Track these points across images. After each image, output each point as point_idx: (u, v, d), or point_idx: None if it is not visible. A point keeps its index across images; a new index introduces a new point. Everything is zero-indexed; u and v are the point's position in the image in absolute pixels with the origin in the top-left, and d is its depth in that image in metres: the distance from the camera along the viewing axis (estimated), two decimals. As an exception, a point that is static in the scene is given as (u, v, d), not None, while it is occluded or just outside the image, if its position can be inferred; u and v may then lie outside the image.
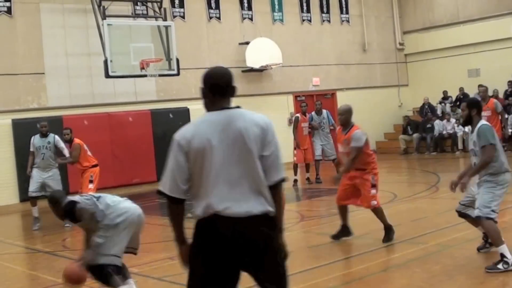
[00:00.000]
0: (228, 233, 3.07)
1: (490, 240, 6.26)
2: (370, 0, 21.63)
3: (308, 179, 14.29)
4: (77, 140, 11.01)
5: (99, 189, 10.07)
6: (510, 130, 17.89)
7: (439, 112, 20.60)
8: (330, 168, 14.80)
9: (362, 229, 8.36)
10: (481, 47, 20.17)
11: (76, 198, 5.63)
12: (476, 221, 6.21)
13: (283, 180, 3.29)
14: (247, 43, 17.73)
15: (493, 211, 5.88)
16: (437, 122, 19.73)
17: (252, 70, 17.84)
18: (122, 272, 5.57)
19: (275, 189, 3.25)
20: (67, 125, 12.97)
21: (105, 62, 13.61)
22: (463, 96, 19.14)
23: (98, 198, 5.61)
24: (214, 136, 3.12)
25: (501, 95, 19.46)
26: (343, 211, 7.72)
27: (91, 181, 10.76)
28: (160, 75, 14.60)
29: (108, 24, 13.70)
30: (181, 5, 17.09)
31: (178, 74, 14.73)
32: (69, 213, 5.46)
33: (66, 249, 8.82)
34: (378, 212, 7.51)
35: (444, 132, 19.48)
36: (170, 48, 14.51)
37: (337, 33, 20.66)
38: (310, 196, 12.83)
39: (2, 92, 14.14)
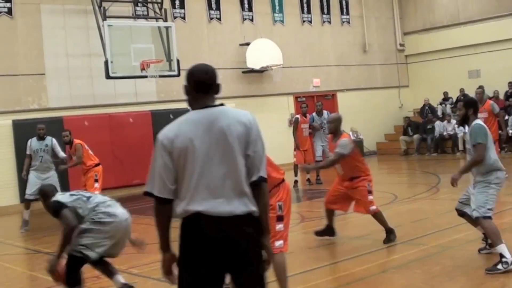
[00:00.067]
0: (211, 233, 3.03)
1: (489, 240, 6.26)
2: (370, 1, 21.64)
3: (308, 180, 14.29)
4: (77, 141, 11.02)
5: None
6: (510, 131, 17.95)
7: (439, 113, 20.61)
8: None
9: (362, 230, 8.36)
10: (481, 48, 20.18)
11: (65, 196, 5.58)
12: (475, 221, 6.24)
13: (264, 179, 3.22)
14: (248, 44, 17.74)
15: (489, 209, 5.93)
16: (437, 123, 19.72)
17: (252, 71, 17.85)
18: (107, 269, 5.64)
19: (259, 188, 3.19)
20: (68, 126, 13.00)
21: (106, 63, 13.63)
22: (463, 97, 19.13)
23: (88, 198, 5.57)
24: (197, 135, 3.08)
25: (501, 96, 19.47)
26: (329, 214, 7.84)
27: (96, 180, 10.78)
28: (161, 76, 14.61)
29: (109, 25, 13.71)
30: (182, 6, 17.11)
31: (178, 75, 14.73)
32: (54, 212, 5.48)
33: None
34: (378, 216, 7.54)
35: (445, 133, 19.47)
36: (170, 49, 14.52)
37: (338, 34, 20.66)
38: (310, 197, 12.83)
39: (3, 93, 14.15)
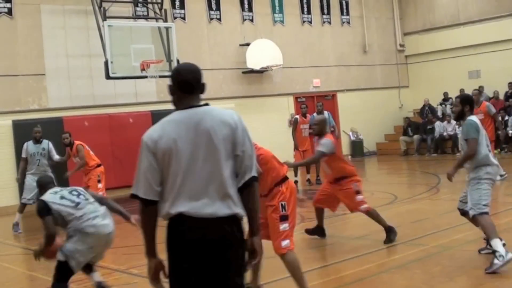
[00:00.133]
0: (193, 234, 3.01)
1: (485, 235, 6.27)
2: (370, 1, 21.64)
3: (308, 180, 14.30)
4: (78, 142, 11.02)
5: (99, 190, 10.10)
6: (510, 131, 17.96)
7: (439, 113, 20.61)
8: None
9: (362, 230, 8.36)
10: (481, 48, 20.18)
11: (56, 197, 5.45)
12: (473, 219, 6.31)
13: (256, 178, 3.19)
14: (248, 44, 17.74)
15: (485, 205, 6.01)
16: (437, 124, 19.73)
17: (252, 71, 17.85)
18: (85, 266, 5.59)
19: (249, 189, 3.16)
20: (68, 126, 13.01)
21: (106, 63, 13.63)
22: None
23: (77, 204, 5.41)
24: (181, 136, 3.05)
25: (501, 97, 19.48)
26: (319, 213, 7.90)
27: (99, 181, 10.78)
28: (161, 76, 14.60)
29: (109, 25, 13.71)
30: (182, 6, 17.11)
31: (178, 75, 14.71)
32: (38, 213, 5.40)
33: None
34: (372, 215, 7.57)
35: (445, 133, 19.48)
36: (170, 49, 14.52)
37: (338, 35, 20.67)
38: (310, 197, 12.79)
39: (3, 93, 14.16)
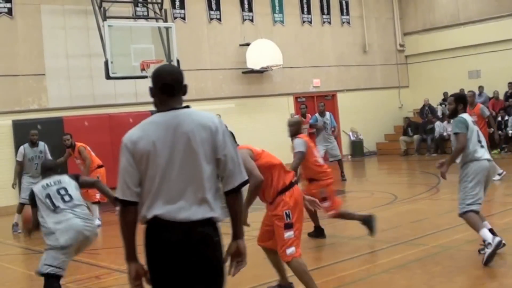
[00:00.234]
0: (167, 238, 2.99)
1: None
2: (370, 1, 21.64)
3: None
4: (79, 144, 11.02)
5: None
6: (510, 131, 17.96)
7: (439, 113, 20.60)
8: (334, 170, 14.81)
9: (362, 230, 8.35)
10: (481, 48, 20.18)
11: (44, 191, 5.60)
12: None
13: (243, 184, 3.15)
14: (248, 44, 17.74)
15: (469, 204, 6.18)
16: (437, 124, 19.73)
17: (252, 71, 17.85)
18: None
19: (234, 195, 3.15)
20: (68, 126, 13.01)
21: (106, 63, 13.63)
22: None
23: (56, 208, 5.51)
24: (160, 139, 3.03)
25: (501, 97, 19.48)
26: (311, 214, 7.85)
27: None
28: (161, 76, 14.60)
29: (109, 26, 13.71)
30: (182, 6, 17.11)
31: (178, 75, 14.72)
32: (29, 200, 5.72)
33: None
34: (343, 216, 7.68)
35: (445, 133, 19.47)
36: (170, 50, 14.52)
37: (338, 35, 20.67)
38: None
39: (3, 93, 14.16)
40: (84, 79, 15.16)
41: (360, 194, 12.62)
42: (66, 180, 5.80)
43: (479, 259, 6.29)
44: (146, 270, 3.09)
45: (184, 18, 17.11)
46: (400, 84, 22.31)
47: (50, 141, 11.71)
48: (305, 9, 19.88)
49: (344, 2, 20.95)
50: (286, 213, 5.18)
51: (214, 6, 17.76)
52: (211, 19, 17.73)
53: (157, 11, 15.44)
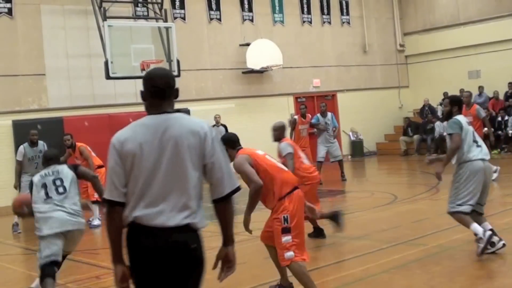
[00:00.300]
0: (146, 242, 2.97)
1: (491, 239, 6.29)
2: (370, 1, 21.64)
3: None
4: (80, 144, 11.03)
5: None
6: (510, 131, 17.96)
7: (439, 113, 20.57)
8: (335, 170, 14.82)
9: (362, 230, 8.37)
10: (481, 48, 20.18)
11: (40, 181, 5.78)
12: (475, 220, 6.39)
13: (233, 192, 3.12)
14: (248, 44, 17.74)
15: (459, 204, 6.31)
16: (437, 124, 19.71)
17: (252, 71, 17.85)
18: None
19: (223, 203, 3.12)
20: (68, 126, 13.00)
21: (106, 63, 13.63)
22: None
23: (48, 198, 5.67)
24: (147, 141, 3.02)
25: (501, 97, 19.48)
26: (307, 216, 7.84)
27: None
28: (161, 77, 14.61)
29: (109, 26, 13.71)
30: (182, 6, 17.11)
31: (178, 75, 14.71)
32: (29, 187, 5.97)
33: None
34: (318, 216, 7.65)
35: (445, 133, 19.34)
36: (170, 50, 14.53)
37: (338, 35, 20.67)
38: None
39: (3, 93, 14.16)
40: (84, 79, 15.16)
41: (360, 194, 12.62)
42: (64, 171, 5.89)
43: (479, 259, 6.30)
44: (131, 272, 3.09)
45: (184, 18, 17.11)
46: (400, 84, 22.31)
47: (50, 141, 11.70)
48: (305, 9, 19.88)
49: (344, 2, 20.95)
50: (284, 217, 5.17)
51: (214, 6, 17.76)
52: (211, 19, 17.73)
53: (157, 11, 15.44)
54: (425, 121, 20.19)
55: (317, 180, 7.96)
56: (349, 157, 20.25)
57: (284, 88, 18.90)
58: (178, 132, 3.03)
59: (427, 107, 20.59)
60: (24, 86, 14.45)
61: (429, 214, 9.23)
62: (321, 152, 14.40)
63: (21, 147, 10.91)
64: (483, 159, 6.41)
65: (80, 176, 5.98)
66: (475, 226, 6.26)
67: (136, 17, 15.77)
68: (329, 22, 20.47)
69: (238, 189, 3.16)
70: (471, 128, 6.56)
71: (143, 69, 13.89)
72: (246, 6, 18.45)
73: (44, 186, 5.75)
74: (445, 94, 20.74)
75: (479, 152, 6.41)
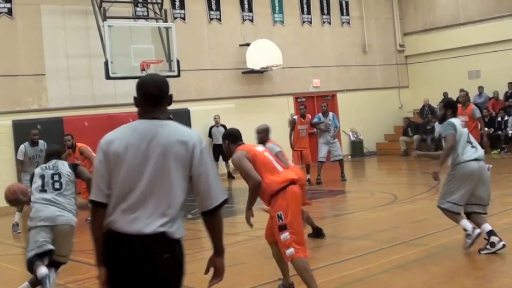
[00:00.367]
0: (120, 248, 2.94)
1: (491, 239, 6.30)
2: (370, 1, 21.65)
3: (308, 180, 14.28)
4: (80, 144, 11.04)
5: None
6: (510, 132, 17.97)
7: (439, 113, 20.60)
8: (335, 170, 14.82)
9: (362, 230, 8.37)
10: (481, 48, 20.18)
11: (40, 172, 5.90)
12: (476, 221, 6.44)
13: (220, 205, 3.07)
14: (248, 44, 17.74)
15: (448, 201, 6.52)
16: (437, 124, 19.70)
17: (252, 71, 17.85)
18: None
19: (210, 216, 3.06)
20: (68, 127, 13.00)
21: (106, 63, 13.64)
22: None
23: (43, 190, 5.79)
24: (133, 145, 2.99)
25: (501, 97, 19.48)
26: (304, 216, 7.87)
27: None
28: (161, 77, 14.61)
29: (109, 26, 13.72)
30: (182, 6, 17.11)
31: (178, 75, 14.73)
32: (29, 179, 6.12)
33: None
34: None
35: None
36: (170, 50, 14.53)
37: (338, 35, 20.67)
38: (310, 197, 12.79)
39: (3, 93, 14.17)
40: (84, 79, 15.16)
41: (360, 194, 12.62)
42: (64, 168, 5.97)
43: (479, 259, 6.31)
44: None
45: (184, 18, 17.12)
46: (400, 84, 22.31)
47: (50, 141, 11.69)
48: (305, 9, 19.88)
49: (344, 2, 20.95)
50: (278, 215, 5.19)
51: (214, 6, 17.76)
52: (211, 19, 17.73)
53: (157, 11, 15.44)
54: (425, 121, 20.19)
55: (303, 182, 7.94)
56: (349, 157, 20.26)
57: (284, 88, 18.91)
58: (166, 140, 2.99)
59: (427, 107, 20.60)
60: (24, 86, 14.45)
61: (429, 214, 9.22)
62: (323, 152, 14.40)
63: (22, 146, 10.94)
64: (477, 159, 6.49)
65: (78, 175, 6.04)
66: (464, 222, 6.47)
67: (136, 17, 15.77)
68: (329, 22, 20.48)
69: (226, 201, 3.11)
70: (465, 130, 6.68)
71: (143, 69, 13.90)
72: (246, 6, 18.45)
73: (42, 177, 5.86)
74: (445, 94, 20.75)
75: (473, 153, 6.51)
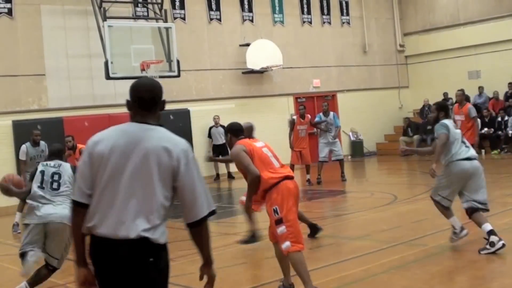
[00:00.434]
0: (101, 252, 2.93)
1: (490, 239, 6.31)
2: (370, 1, 21.64)
3: (308, 180, 14.30)
4: (81, 146, 11.06)
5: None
6: (510, 132, 17.97)
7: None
8: (335, 170, 14.82)
9: (362, 230, 8.37)
10: (481, 48, 20.18)
11: (39, 171, 5.96)
12: (477, 220, 6.54)
13: (205, 218, 3.02)
14: (248, 44, 17.74)
15: (439, 194, 6.83)
16: (437, 124, 19.71)
17: (252, 71, 17.85)
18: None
19: (196, 228, 3.03)
20: (68, 127, 12.99)
21: (106, 63, 13.64)
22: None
23: (41, 187, 5.85)
24: (118, 147, 2.96)
25: (501, 97, 19.48)
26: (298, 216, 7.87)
27: None
28: (161, 77, 14.55)
29: (109, 26, 13.72)
30: (182, 6, 17.11)
31: (178, 75, 14.74)
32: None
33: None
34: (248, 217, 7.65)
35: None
36: (170, 50, 14.53)
37: (338, 35, 20.67)
38: (310, 197, 12.81)
39: (3, 93, 14.17)
40: (84, 79, 15.16)
41: (360, 195, 12.62)
42: (65, 168, 6.03)
43: (479, 259, 6.31)
44: (94, 277, 3.02)
45: (184, 19, 17.12)
46: (400, 85, 22.31)
47: (50, 142, 11.70)
48: (305, 10, 19.88)
49: (344, 3, 20.95)
50: (274, 209, 5.27)
51: (214, 7, 17.76)
52: (211, 19, 17.73)
53: (157, 11, 15.45)
54: (425, 121, 20.17)
55: None
56: (349, 157, 20.26)
57: (284, 88, 18.91)
58: (151, 146, 2.96)
59: (427, 107, 20.58)
60: (24, 86, 14.45)
61: (429, 215, 9.22)
62: (324, 151, 14.39)
63: (24, 147, 10.95)
64: (469, 158, 6.69)
65: None
66: (454, 219, 6.82)
67: (136, 17, 15.77)
68: (329, 23, 20.48)
69: (212, 213, 3.06)
70: (458, 131, 6.92)
71: (143, 70, 13.91)
72: (246, 6, 18.45)
73: (42, 174, 5.93)
74: (445, 94, 20.77)
75: (466, 152, 6.73)
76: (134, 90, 3.12)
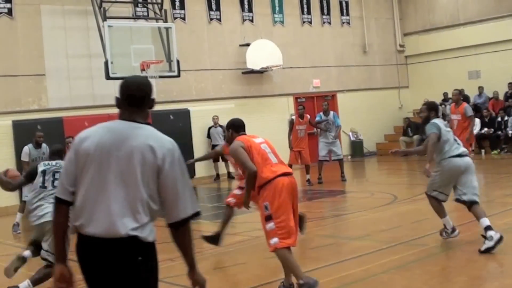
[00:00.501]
0: (86, 251, 2.91)
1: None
2: (370, 2, 21.64)
3: (308, 180, 14.29)
4: None
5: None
6: (510, 132, 17.97)
7: (439, 114, 20.58)
8: (335, 170, 14.81)
9: (362, 230, 8.37)
10: (481, 48, 20.18)
11: (40, 170, 6.10)
12: (476, 213, 6.66)
13: (187, 219, 2.99)
14: (248, 44, 17.74)
15: (434, 190, 7.06)
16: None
17: (252, 71, 17.85)
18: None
19: (179, 229, 2.99)
20: (68, 127, 12.98)
21: (106, 63, 13.64)
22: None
23: (43, 187, 5.99)
24: (105, 144, 2.94)
25: (501, 97, 19.48)
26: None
27: None
28: (161, 77, 14.62)
29: (109, 26, 13.72)
30: (182, 6, 17.11)
31: (178, 75, 14.74)
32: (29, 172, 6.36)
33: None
34: (228, 215, 7.68)
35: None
36: (170, 50, 14.53)
37: (338, 35, 20.67)
38: (310, 197, 12.82)
39: (3, 93, 14.16)
40: (84, 79, 15.16)
41: (360, 195, 12.62)
42: None
43: (479, 259, 6.30)
44: (71, 274, 3.00)
45: (184, 19, 17.12)
46: (400, 85, 22.31)
47: (50, 142, 11.71)
48: (305, 10, 19.88)
49: (344, 3, 20.95)
50: (264, 205, 5.31)
51: (214, 7, 17.76)
52: (211, 19, 17.73)
53: (157, 11, 15.45)
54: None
55: None
56: (349, 157, 20.26)
57: (284, 88, 18.91)
58: (137, 144, 2.93)
59: (427, 107, 20.58)
60: (24, 86, 14.45)
61: (429, 215, 9.20)
62: (323, 151, 14.39)
63: (26, 148, 10.96)
64: (460, 155, 6.87)
65: None
66: (447, 219, 7.01)
67: (136, 17, 15.77)
68: (329, 23, 20.48)
69: (196, 214, 3.03)
70: (450, 130, 7.14)
71: (143, 70, 13.91)
72: (246, 6, 18.45)
73: (44, 173, 6.02)
74: (445, 94, 20.78)
75: (457, 149, 6.92)
76: (123, 87, 3.13)
